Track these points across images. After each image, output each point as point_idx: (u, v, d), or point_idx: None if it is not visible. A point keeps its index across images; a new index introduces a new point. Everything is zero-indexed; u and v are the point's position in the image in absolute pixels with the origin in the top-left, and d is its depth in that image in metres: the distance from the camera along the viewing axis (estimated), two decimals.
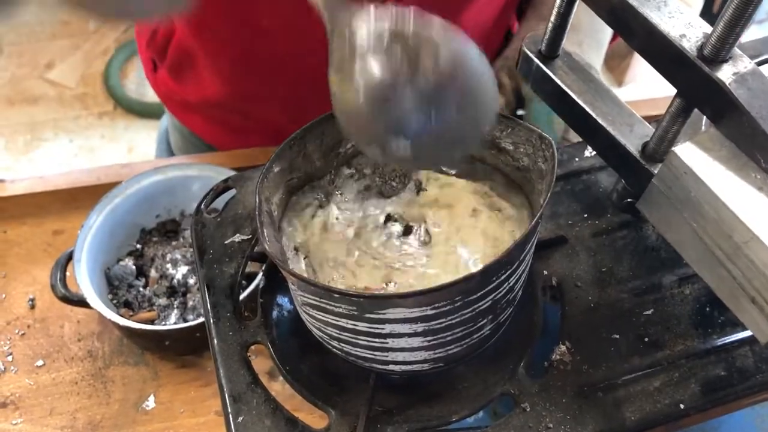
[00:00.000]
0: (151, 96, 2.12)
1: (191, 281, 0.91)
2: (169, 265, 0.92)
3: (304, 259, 0.52)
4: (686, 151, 0.46)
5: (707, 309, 0.56)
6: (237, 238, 0.60)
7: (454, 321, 0.46)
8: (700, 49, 0.44)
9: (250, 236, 0.60)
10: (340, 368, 0.57)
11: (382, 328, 0.46)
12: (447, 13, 0.44)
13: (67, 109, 2.31)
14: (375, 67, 0.42)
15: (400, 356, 0.49)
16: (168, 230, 0.97)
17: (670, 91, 0.49)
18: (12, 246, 1.00)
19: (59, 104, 2.31)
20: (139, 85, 2.40)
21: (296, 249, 0.53)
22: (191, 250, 0.94)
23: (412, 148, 0.44)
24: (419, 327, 0.46)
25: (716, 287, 0.48)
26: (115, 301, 0.90)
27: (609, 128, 0.54)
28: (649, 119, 0.55)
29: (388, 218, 0.55)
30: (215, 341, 0.55)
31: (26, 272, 0.97)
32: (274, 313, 0.58)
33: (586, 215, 0.61)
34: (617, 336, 0.54)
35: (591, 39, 0.87)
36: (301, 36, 0.93)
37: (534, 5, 0.97)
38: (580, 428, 0.50)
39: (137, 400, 0.86)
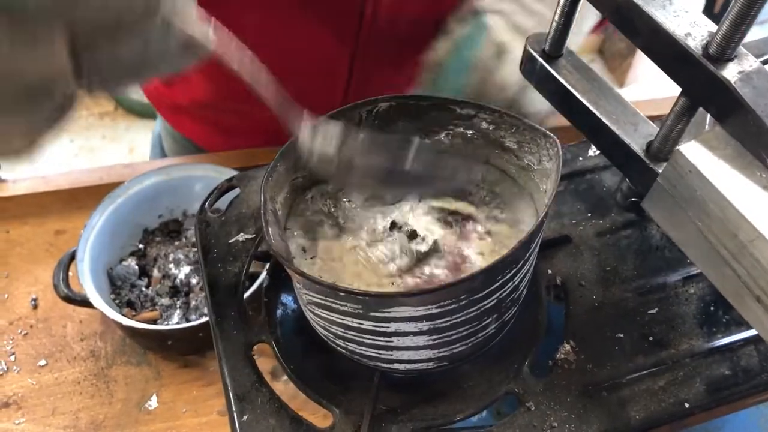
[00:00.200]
0: None
1: (194, 281, 0.91)
2: (171, 265, 0.92)
3: (311, 259, 0.52)
4: (691, 150, 0.46)
5: (712, 308, 0.56)
6: (241, 237, 0.60)
7: (459, 320, 0.46)
8: (705, 47, 0.44)
9: (254, 235, 0.60)
10: (344, 367, 0.57)
11: (387, 327, 0.46)
12: None
13: None
14: None
15: (405, 355, 0.49)
16: (170, 230, 0.97)
17: (672, 91, 0.49)
18: (14, 246, 1.00)
19: None
20: None
21: (303, 249, 0.53)
22: (194, 250, 0.94)
23: None
24: (424, 326, 0.46)
25: (721, 286, 0.48)
26: (117, 301, 0.90)
27: (613, 127, 0.54)
28: (650, 119, 0.55)
29: (394, 225, 0.55)
30: (219, 340, 0.55)
31: (28, 272, 0.97)
32: (278, 312, 0.58)
33: (590, 214, 0.61)
34: (622, 335, 0.54)
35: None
36: (288, 36, 0.93)
37: None
38: (585, 427, 0.50)
39: (140, 399, 0.86)
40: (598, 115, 0.54)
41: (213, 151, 1.15)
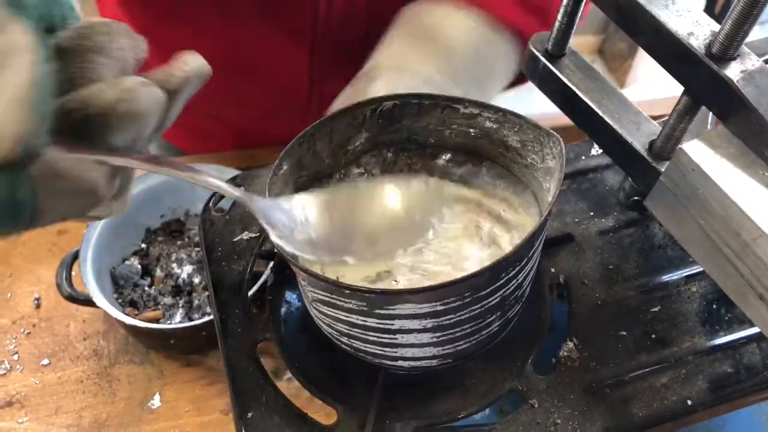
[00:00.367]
0: None
1: (196, 280, 0.92)
2: (174, 265, 0.92)
3: None
4: (694, 148, 0.46)
5: (714, 306, 0.56)
6: (245, 235, 0.61)
7: (463, 317, 0.46)
8: (708, 47, 0.44)
9: (258, 234, 0.61)
10: (348, 365, 0.57)
11: (392, 324, 0.46)
12: None
13: None
14: None
15: (409, 352, 0.49)
16: (173, 230, 0.97)
17: (672, 92, 0.49)
18: (16, 245, 1.00)
19: None
20: None
21: None
22: (196, 249, 0.94)
23: None
24: (428, 323, 0.46)
25: (724, 284, 0.48)
26: (120, 301, 0.90)
27: (616, 126, 0.54)
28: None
29: None
30: (224, 338, 0.56)
31: (31, 272, 0.98)
32: (282, 311, 0.59)
33: (592, 213, 0.61)
34: (624, 333, 0.55)
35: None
36: (246, 43, 0.93)
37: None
38: (588, 424, 0.50)
39: (143, 398, 0.86)
40: (601, 114, 0.55)
41: (191, 153, 1.15)
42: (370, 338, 0.48)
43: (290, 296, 0.60)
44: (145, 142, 0.42)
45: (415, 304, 0.45)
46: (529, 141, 0.52)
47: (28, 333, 0.92)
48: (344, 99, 0.68)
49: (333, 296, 0.46)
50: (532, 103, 0.90)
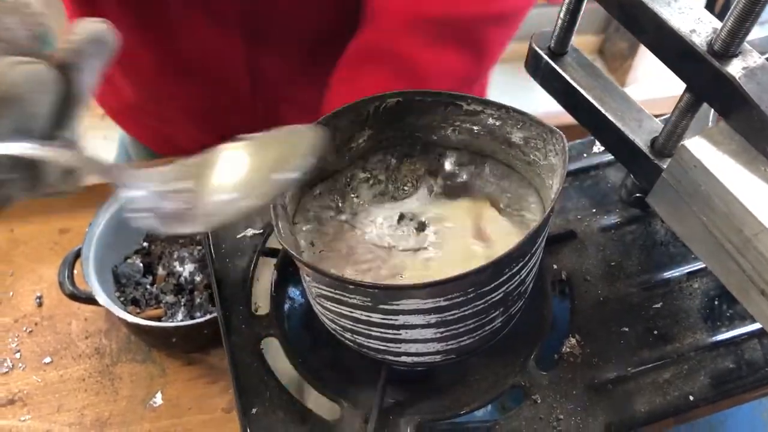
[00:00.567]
0: None
1: (198, 279, 0.92)
2: (176, 263, 0.92)
3: (319, 252, 0.53)
4: (696, 145, 0.47)
5: (716, 302, 0.56)
6: (249, 232, 0.61)
7: (466, 312, 0.47)
8: (710, 44, 0.45)
9: (262, 231, 0.61)
10: (352, 361, 0.57)
11: (396, 320, 0.46)
12: None
13: None
14: None
15: (412, 348, 0.49)
16: None
17: (672, 91, 0.50)
18: (18, 244, 1.00)
19: None
20: None
21: (312, 243, 0.53)
22: (198, 247, 0.94)
23: None
24: (432, 318, 0.46)
25: (726, 280, 0.49)
26: (122, 299, 0.91)
27: (618, 124, 0.54)
28: None
29: (402, 217, 0.56)
30: (228, 334, 0.56)
31: (33, 270, 0.98)
32: (286, 307, 0.59)
33: (594, 210, 0.61)
34: (626, 329, 0.55)
35: None
36: (204, 44, 0.93)
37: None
38: (591, 420, 0.51)
39: (145, 396, 0.86)
40: (603, 111, 0.55)
41: (163, 154, 1.15)
42: (373, 334, 0.49)
43: (293, 293, 0.60)
44: (47, 123, 0.41)
45: (419, 300, 0.45)
46: (532, 138, 0.52)
47: (30, 331, 0.92)
48: None
49: (337, 292, 0.46)
50: (533, 101, 0.90)
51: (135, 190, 0.43)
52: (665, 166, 0.51)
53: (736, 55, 0.45)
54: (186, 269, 0.92)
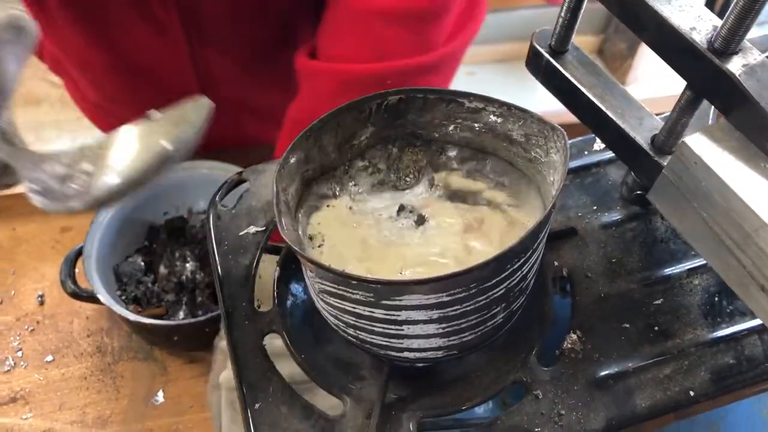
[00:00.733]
0: None
1: (199, 277, 0.92)
2: (177, 262, 0.93)
3: (319, 247, 0.53)
4: (696, 142, 0.47)
5: (716, 299, 0.57)
6: (251, 229, 0.61)
7: (468, 308, 0.47)
8: (710, 41, 0.45)
9: (264, 228, 0.61)
10: (354, 357, 0.58)
11: (398, 315, 0.47)
12: None
13: (69, 110, 2.31)
14: None
15: (415, 343, 0.49)
16: (176, 227, 0.97)
17: (672, 91, 0.50)
18: (20, 243, 1.01)
19: (61, 105, 2.31)
20: None
21: (311, 237, 0.54)
22: (199, 246, 0.95)
23: None
24: (434, 314, 0.46)
25: (726, 276, 0.49)
26: (123, 298, 0.91)
27: (619, 121, 0.55)
28: None
29: (401, 209, 0.56)
30: (230, 331, 0.56)
31: (35, 269, 0.98)
32: (288, 303, 0.59)
33: (595, 208, 0.62)
34: (627, 325, 0.55)
35: None
36: (148, 47, 0.94)
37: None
38: (592, 415, 0.51)
39: (146, 394, 0.87)
40: (604, 109, 0.55)
41: None
42: (376, 329, 0.49)
43: (296, 289, 0.60)
44: None
45: (422, 295, 0.45)
46: (533, 135, 0.52)
47: (32, 330, 0.92)
48: None
49: (340, 287, 0.46)
50: (533, 101, 0.91)
51: (36, 173, 0.44)
52: (666, 164, 0.51)
53: (736, 53, 0.45)
54: (187, 268, 0.92)
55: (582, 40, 0.62)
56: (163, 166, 0.46)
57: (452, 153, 0.58)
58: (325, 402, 0.54)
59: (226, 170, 0.95)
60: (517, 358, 0.55)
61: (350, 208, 0.56)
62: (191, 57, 0.95)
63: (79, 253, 0.87)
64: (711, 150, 0.46)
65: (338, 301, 0.48)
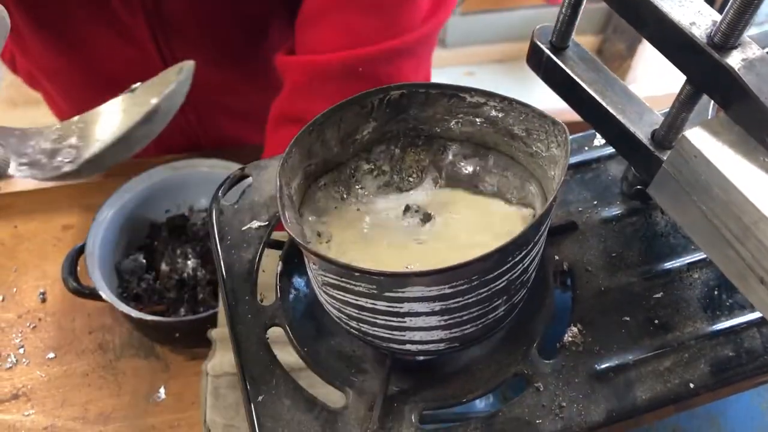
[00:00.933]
0: None
1: (201, 274, 0.92)
2: (179, 259, 0.93)
3: (326, 243, 0.54)
4: (696, 135, 0.47)
5: (716, 292, 0.57)
6: (254, 224, 0.62)
7: (470, 300, 0.47)
8: (710, 36, 0.45)
9: (267, 223, 0.62)
10: (356, 351, 0.58)
11: (401, 307, 0.47)
12: None
13: None
14: None
15: (417, 336, 0.50)
16: (177, 225, 0.98)
17: (671, 89, 0.50)
18: (22, 241, 1.01)
19: None
20: None
21: (318, 234, 0.54)
22: (200, 244, 0.95)
23: None
24: (437, 306, 0.47)
25: (725, 269, 0.49)
26: (125, 295, 0.91)
27: (619, 117, 0.55)
28: None
29: (407, 209, 0.56)
30: (233, 324, 0.56)
31: (37, 267, 0.99)
32: (291, 297, 0.59)
33: (596, 203, 0.62)
34: (628, 318, 0.56)
35: None
36: (120, 57, 0.94)
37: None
38: (593, 407, 0.51)
39: (148, 391, 0.87)
40: (605, 105, 0.56)
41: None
42: (378, 322, 0.49)
43: (299, 283, 0.61)
44: None
45: (424, 287, 0.45)
46: (534, 129, 0.53)
47: (34, 327, 0.93)
48: None
49: (343, 279, 0.47)
50: (533, 100, 0.90)
51: (23, 148, 0.45)
52: (665, 158, 0.51)
53: (735, 47, 0.45)
54: (189, 265, 0.93)
55: (581, 41, 0.63)
56: (151, 123, 0.46)
57: (454, 150, 0.58)
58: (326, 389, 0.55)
59: (226, 168, 0.96)
60: (518, 351, 0.55)
61: (358, 209, 0.57)
62: (162, 62, 0.95)
63: (80, 250, 0.88)
64: (711, 144, 0.47)
65: (341, 293, 0.48)
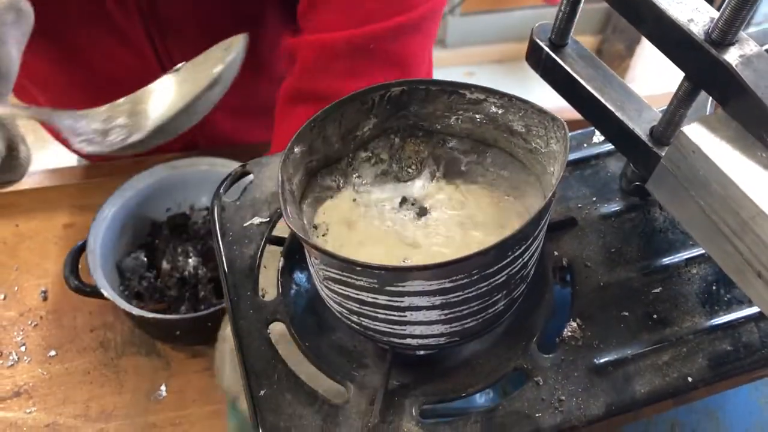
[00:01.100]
0: None
1: (202, 272, 0.93)
2: (180, 257, 0.94)
3: (323, 236, 0.54)
4: (694, 131, 0.48)
5: (714, 287, 0.57)
6: (256, 220, 0.62)
7: (470, 294, 0.48)
8: (708, 33, 0.46)
9: (268, 219, 0.62)
10: (357, 346, 0.58)
11: (401, 301, 0.47)
12: None
13: None
14: None
15: (417, 330, 0.50)
16: (178, 223, 0.98)
17: (669, 88, 0.51)
18: (24, 239, 1.01)
19: None
20: None
21: (315, 227, 0.54)
22: (201, 242, 0.95)
23: None
24: (437, 300, 0.47)
25: (723, 263, 0.50)
26: (126, 293, 0.92)
27: (618, 113, 0.55)
28: None
29: (404, 201, 0.57)
30: (235, 319, 0.57)
31: (38, 265, 0.99)
32: (292, 292, 0.60)
33: (595, 199, 0.63)
34: (626, 313, 0.56)
35: None
36: (117, 62, 0.94)
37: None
38: (592, 401, 0.52)
39: (149, 389, 0.87)
40: (603, 101, 0.56)
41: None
42: (379, 316, 0.50)
43: (300, 279, 0.61)
44: None
45: (424, 281, 0.46)
46: (534, 125, 0.53)
47: (36, 325, 0.93)
48: None
49: (344, 274, 0.47)
50: (533, 99, 0.91)
51: (77, 129, 0.46)
52: (664, 154, 0.52)
53: (732, 44, 0.46)
54: (189, 263, 0.93)
55: (580, 41, 0.63)
56: (214, 91, 0.47)
57: (453, 144, 0.59)
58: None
59: (226, 166, 0.96)
60: (517, 345, 0.56)
61: (354, 200, 0.57)
62: (159, 63, 0.95)
63: (81, 248, 0.88)
64: (709, 139, 0.47)
65: (342, 287, 0.49)
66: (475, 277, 0.46)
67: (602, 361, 0.54)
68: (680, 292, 0.57)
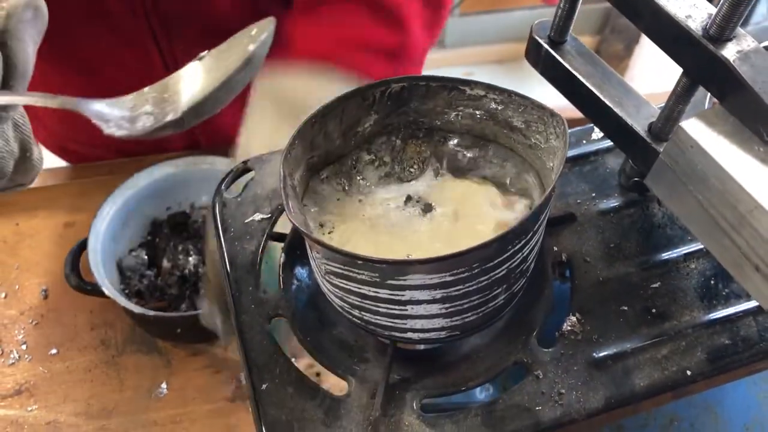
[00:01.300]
0: None
1: (202, 271, 0.93)
2: (180, 256, 0.94)
3: (329, 233, 0.54)
4: (693, 126, 0.48)
5: (712, 282, 0.58)
6: (257, 216, 0.62)
7: (471, 288, 0.48)
8: (706, 28, 0.46)
9: (270, 215, 0.62)
10: (358, 340, 0.59)
11: (402, 295, 0.48)
12: None
13: None
14: None
15: (418, 324, 0.51)
16: (178, 222, 0.99)
17: (667, 88, 0.52)
18: (24, 238, 1.02)
19: None
20: None
21: (321, 225, 0.55)
22: (201, 240, 0.96)
23: None
24: (438, 294, 0.48)
25: (721, 257, 0.50)
26: (126, 291, 0.92)
27: (617, 109, 0.56)
28: None
29: (408, 199, 0.57)
30: (237, 314, 0.57)
31: (38, 264, 0.99)
32: (294, 288, 0.60)
33: (594, 195, 0.63)
34: (626, 308, 0.56)
35: None
36: (117, 63, 0.95)
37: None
38: (592, 394, 0.52)
39: (150, 387, 0.88)
40: (602, 98, 0.57)
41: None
42: (380, 310, 0.50)
43: (301, 274, 0.61)
44: None
45: (425, 275, 0.46)
46: (533, 121, 0.54)
47: (36, 323, 0.93)
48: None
49: (346, 268, 0.48)
50: (531, 95, 0.92)
51: (105, 116, 0.46)
52: (662, 149, 0.52)
53: (730, 39, 0.46)
54: (190, 261, 0.93)
55: None
56: (247, 70, 0.47)
57: (454, 141, 0.59)
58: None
59: (226, 165, 0.97)
60: (517, 339, 0.56)
61: (359, 200, 0.57)
62: (163, 62, 0.96)
63: (82, 247, 0.88)
64: (707, 134, 0.48)
65: (344, 281, 0.49)
66: (476, 270, 0.47)
67: (601, 355, 0.54)
68: (679, 286, 0.58)
